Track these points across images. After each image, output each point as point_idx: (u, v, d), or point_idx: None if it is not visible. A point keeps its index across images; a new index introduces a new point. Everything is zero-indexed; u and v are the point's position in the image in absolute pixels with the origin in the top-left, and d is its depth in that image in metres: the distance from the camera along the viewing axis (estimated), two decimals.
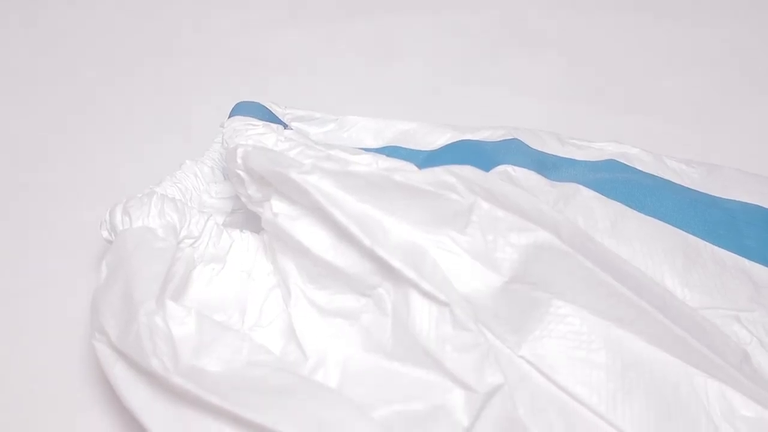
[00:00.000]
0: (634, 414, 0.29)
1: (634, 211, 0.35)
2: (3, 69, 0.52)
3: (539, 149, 0.40)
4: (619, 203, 0.36)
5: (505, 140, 0.39)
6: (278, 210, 0.32)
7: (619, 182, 0.37)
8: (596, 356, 0.31)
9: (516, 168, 0.37)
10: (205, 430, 0.27)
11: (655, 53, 0.54)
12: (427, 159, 0.39)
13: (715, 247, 0.35)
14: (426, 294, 0.29)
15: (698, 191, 0.38)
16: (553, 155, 0.39)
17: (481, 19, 0.57)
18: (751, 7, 0.58)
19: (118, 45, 0.54)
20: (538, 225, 0.30)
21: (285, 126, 0.38)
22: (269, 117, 0.38)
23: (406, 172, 0.31)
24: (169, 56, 0.53)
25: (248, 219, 0.37)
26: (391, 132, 0.41)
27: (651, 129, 0.47)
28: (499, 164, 0.37)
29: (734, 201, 0.37)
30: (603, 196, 0.36)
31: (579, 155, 0.40)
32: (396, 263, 0.30)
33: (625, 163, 0.39)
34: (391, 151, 0.39)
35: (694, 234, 0.35)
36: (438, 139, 0.40)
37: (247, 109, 0.37)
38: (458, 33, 0.56)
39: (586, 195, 0.36)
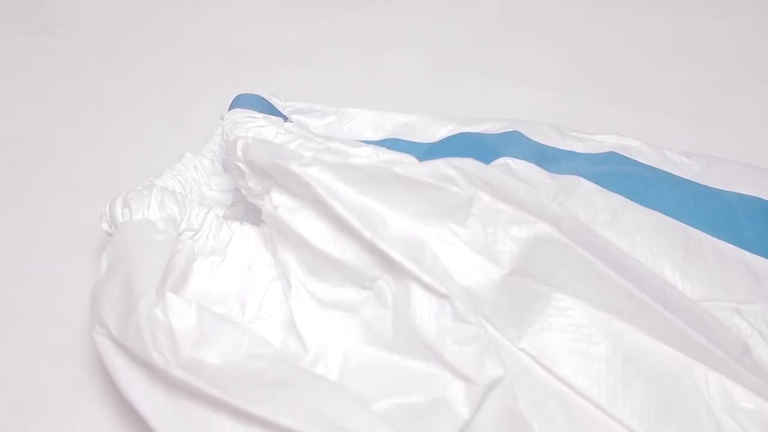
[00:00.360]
0: (634, 406, 0.29)
1: (635, 204, 0.35)
2: (2, 65, 0.52)
3: (540, 142, 0.39)
4: (619, 196, 0.35)
5: (506, 133, 0.39)
6: (278, 202, 0.32)
7: (620, 175, 0.37)
8: (596, 349, 0.31)
9: (516, 160, 0.37)
10: (205, 422, 0.27)
11: (656, 45, 0.54)
12: (427, 151, 0.39)
13: (716, 239, 0.35)
14: (426, 286, 0.29)
15: (699, 183, 0.38)
16: (554, 148, 0.39)
17: (481, 11, 0.57)
18: (752, 0, 0.58)
19: (117, 38, 0.54)
20: (538, 217, 0.30)
21: (285, 118, 0.38)
22: (269, 109, 0.38)
23: (406, 164, 0.31)
24: (169, 49, 0.53)
25: (248, 211, 0.37)
26: (392, 124, 0.41)
27: (651, 121, 0.47)
28: (499, 157, 0.37)
29: (734, 193, 0.37)
30: (603, 189, 0.36)
31: (579, 148, 0.40)
32: (396, 256, 0.30)
33: (626, 155, 0.39)
34: (391, 144, 0.39)
35: (694, 226, 0.35)
36: (438, 131, 0.40)
37: (247, 101, 0.37)
38: (458, 25, 0.56)
39: (587, 187, 0.36)
